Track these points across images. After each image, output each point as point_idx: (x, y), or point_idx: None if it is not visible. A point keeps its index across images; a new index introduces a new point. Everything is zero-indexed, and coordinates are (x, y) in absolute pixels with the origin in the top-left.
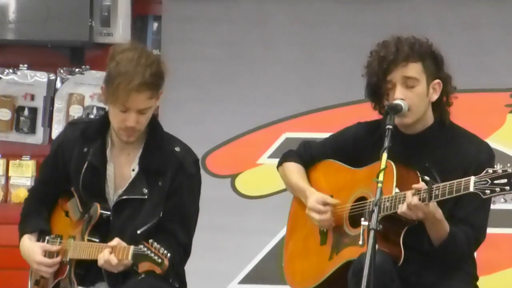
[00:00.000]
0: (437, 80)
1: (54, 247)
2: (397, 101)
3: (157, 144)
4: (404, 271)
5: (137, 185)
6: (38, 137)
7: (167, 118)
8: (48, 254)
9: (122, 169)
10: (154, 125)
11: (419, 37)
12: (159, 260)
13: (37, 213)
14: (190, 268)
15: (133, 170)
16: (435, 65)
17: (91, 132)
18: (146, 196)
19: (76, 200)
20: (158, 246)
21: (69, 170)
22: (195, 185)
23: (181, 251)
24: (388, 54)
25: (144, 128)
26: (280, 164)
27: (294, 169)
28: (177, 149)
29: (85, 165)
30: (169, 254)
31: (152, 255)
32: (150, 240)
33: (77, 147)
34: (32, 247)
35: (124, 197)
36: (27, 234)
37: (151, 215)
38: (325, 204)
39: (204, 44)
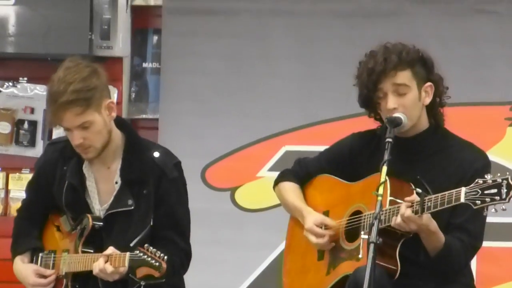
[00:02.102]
0: (429, 83)
1: (48, 271)
2: (397, 114)
3: (135, 153)
4: (401, 284)
5: (122, 198)
6: (38, 150)
7: (167, 131)
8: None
9: (104, 183)
10: (129, 134)
11: (406, 43)
12: (157, 264)
13: (27, 233)
14: (189, 281)
15: (116, 183)
16: (425, 69)
17: (69, 151)
18: (133, 207)
19: (67, 215)
20: (154, 250)
21: (53, 191)
22: (180, 188)
23: (182, 254)
24: (376, 65)
25: (119, 139)
26: (276, 184)
27: (290, 189)
28: (155, 154)
29: (65, 185)
30: (166, 257)
31: (149, 259)
32: (146, 245)
33: (58, 168)
34: (25, 270)
35: (111, 211)
36: (19, 256)
37: (141, 225)
38: (323, 225)
39: (204, 58)
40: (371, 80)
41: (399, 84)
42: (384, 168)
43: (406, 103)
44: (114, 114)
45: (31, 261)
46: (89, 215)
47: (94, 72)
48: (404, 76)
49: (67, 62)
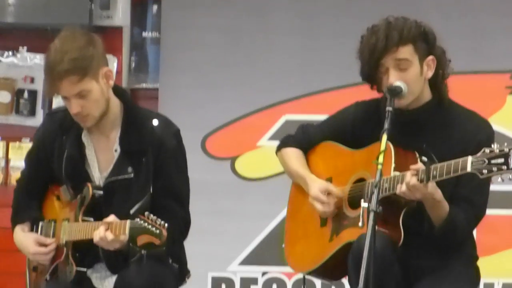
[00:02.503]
0: (431, 57)
1: (48, 240)
2: (397, 83)
3: (134, 122)
4: (404, 254)
5: (121, 166)
6: (38, 120)
7: (167, 102)
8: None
9: (104, 152)
10: (127, 102)
11: (408, 18)
12: (157, 231)
13: (27, 204)
14: (190, 250)
15: (116, 151)
16: (427, 44)
17: (68, 121)
18: (132, 175)
19: (67, 185)
20: (154, 217)
21: (52, 162)
22: (179, 157)
23: (181, 223)
24: (378, 42)
25: (118, 108)
26: (278, 150)
27: (293, 155)
28: (154, 122)
29: (65, 155)
30: (166, 224)
31: (150, 226)
32: (146, 213)
33: (57, 139)
34: (25, 239)
35: (110, 179)
36: (19, 225)
37: (141, 193)
38: (328, 193)
39: (204, 30)
40: (373, 57)
41: (401, 59)
42: (384, 137)
43: (408, 78)
44: (111, 83)
45: (32, 230)
46: (89, 184)
47: (91, 40)
48: (406, 52)
49: (64, 31)
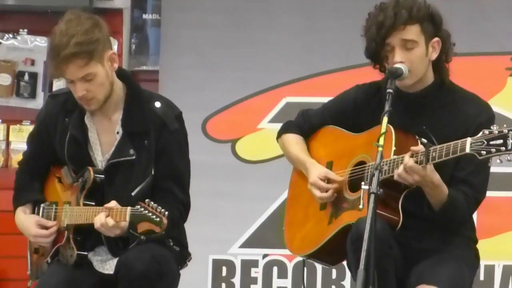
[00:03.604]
0: (436, 39)
1: (50, 222)
2: (398, 65)
3: (136, 104)
4: (404, 237)
5: (123, 148)
6: (38, 102)
7: (167, 85)
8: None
9: (106, 134)
10: (130, 85)
11: None
12: (158, 219)
13: (29, 186)
14: (191, 233)
15: (118, 133)
16: (433, 25)
17: (71, 103)
18: (134, 157)
19: (69, 167)
20: (155, 205)
21: (54, 144)
22: (181, 139)
23: (180, 206)
24: (386, 19)
25: (121, 90)
26: (279, 136)
27: (293, 141)
28: (157, 104)
29: (67, 136)
30: (167, 212)
31: (150, 214)
32: (147, 200)
33: (60, 120)
34: (26, 221)
35: (112, 160)
36: (21, 207)
37: (142, 175)
38: (327, 179)
39: (204, 11)
40: (380, 34)
41: (408, 39)
42: (385, 119)
43: (413, 58)
44: (116, 66)
45: (33, 213)
46: (90, 168)
47: (96, 24)
48: (413, 31)
49: (68, 14)
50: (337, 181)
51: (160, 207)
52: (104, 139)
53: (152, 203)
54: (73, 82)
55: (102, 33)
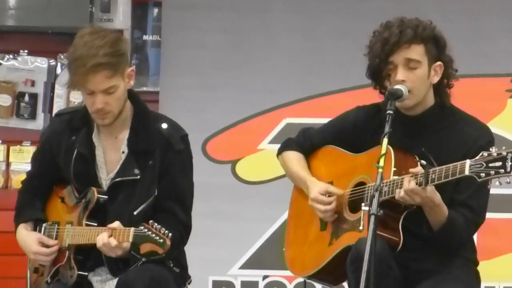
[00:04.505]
0: (439, 62)
1: (51, 241)
2: (398, 86)
3: (143, 124)
4: (403, 257)
5: (128, 167)
6: (38, 123)
7: (167, 105)
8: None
9: (111, 152)
10: (138, 105)
11: (423, 19)
12: (161, 240)
13: (31, 204)
14: (191, 254)
15: (123, 152)
16: (437, 48)
17: (77, 122)
18: (138, 177)
19: (72, 187)
20: (158, 226)
21: (59, 162)
22: (185, 160)
23: (181, 228)
24: (391, 36)
25: (129, 110)
26: (279, 153)
27: (294, 158)
28: (163, 126)
29: (74, 154)
30: (170, 234)
31: (153, 235)
32: (150, 221)
33: (65, 139)
34: (28, 238)
35: (117, 179)
36: (22, 224)
37: (145, 195)
38: (328, 194)
39: (204, 31)
40: (384, 51)
41: (411, 59)
42: (385, 141)
43: (415, 78)
44: (132, 83)
45: (35, 230)
46: (94, 188)
47: (120, 37)
48: (417, 51)
49: (88, 29)
50: (338, 194)
51: (163, 229)
52: (109, 158)
53: (156, 224)
54: (93, 94)
55: (126, 47)
